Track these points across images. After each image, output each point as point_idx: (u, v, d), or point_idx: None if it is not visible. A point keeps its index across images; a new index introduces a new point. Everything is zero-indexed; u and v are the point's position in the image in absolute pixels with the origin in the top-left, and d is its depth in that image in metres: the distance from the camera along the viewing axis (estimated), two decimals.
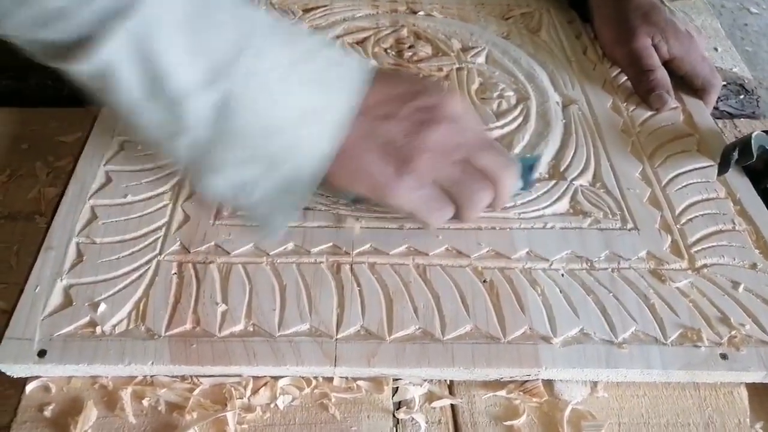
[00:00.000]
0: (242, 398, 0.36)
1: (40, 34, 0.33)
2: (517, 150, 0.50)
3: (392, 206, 0.40)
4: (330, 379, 0.37)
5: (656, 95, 0.54)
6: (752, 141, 0.47)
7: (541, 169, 0.48)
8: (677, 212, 0.45)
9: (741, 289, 0.41)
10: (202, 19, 0.34)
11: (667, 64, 0.56)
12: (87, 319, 0.37)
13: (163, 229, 0.42)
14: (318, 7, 0.64)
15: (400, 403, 0.37)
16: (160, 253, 0.41)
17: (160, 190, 0.44)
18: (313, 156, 0.37)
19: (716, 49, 0.69)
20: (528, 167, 0.45)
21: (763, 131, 0.48)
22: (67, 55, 0.33)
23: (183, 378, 0.36)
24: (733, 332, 0.38)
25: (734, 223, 0.45)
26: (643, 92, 0.55)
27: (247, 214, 0.41)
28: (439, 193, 0.40)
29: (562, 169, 0.48)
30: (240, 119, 0.35)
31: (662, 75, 0.55)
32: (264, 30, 0.36)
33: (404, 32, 0.61)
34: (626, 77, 0.57)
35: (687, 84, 0.56)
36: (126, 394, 0.36)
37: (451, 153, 0.39)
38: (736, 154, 0.47)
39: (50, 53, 0.34)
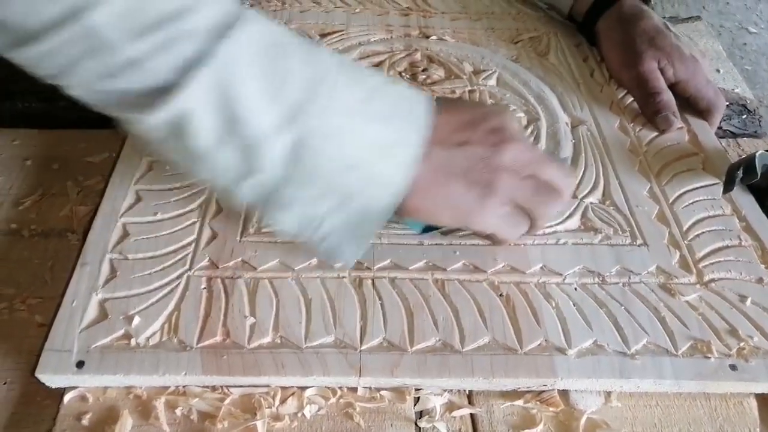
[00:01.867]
0: (271, 408, 0.37)
1: (108, 86, 0.32)
2: None
3: (475, 230, 0.42)
4: (354, 389, 0.38)
5: (662, 117, 0.56)
6: (756, 160, 0.48)
7: None
8: (685, 228, 0.47)
9: (748, 302, 0.42)
10: (277, 63, 0.34)
11: (672, 87, 0.58)
12: (122, 331, 0.39)
13: (192, 246, 0.44)
14: (334, 32, 0.66)
15: (421, 412, 0.38)
16: (189, 269, 0.42)
17: (188, 208, 0.46)
18: (386, 190, 0.37)
19: (718, 71, 0.71)
20: None
21: (767, 150, 0.50)
22: (136, 105, 0.32)
23: (214, 388, 0.38)
24: (741, 344, 0.40)
25: (740, 239, 0.46)
26: (650, 114, 0.57)
27: (315, 247, 0.40)
28: (517, 209, 0.42)
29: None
30: (314, 159, 0.35)
31: (668, 97, 0.57)
32: (334, 70, 0.36)
33: (418, 56, 0.64)
34: (633, 99, 0.59)
35: (692, 106, 0.58)
36: (160, 404, 0.37)
37: (522, 170, 0.41)
38: (740, 173, 0.49)
39: (115, 104, 0.33)
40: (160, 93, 0.32)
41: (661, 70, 0.58)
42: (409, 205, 0.39)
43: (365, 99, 0.37)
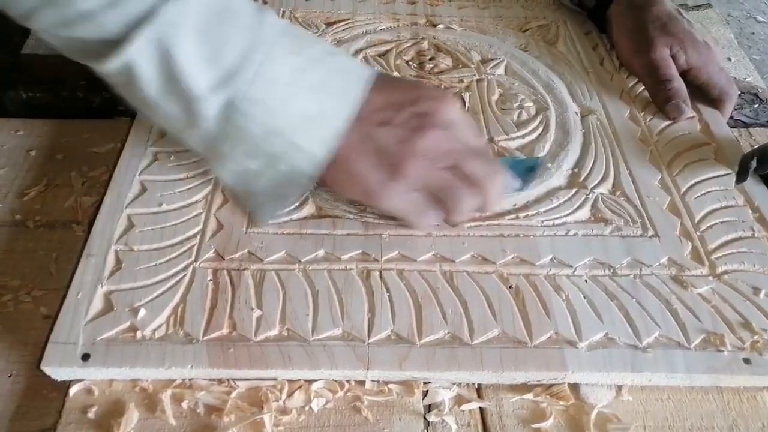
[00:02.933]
0: (278, 401, 0.37)
1: (67, 33, 0.36)
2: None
3: (382, 210, 0.43)
4: (362, 383, 0.38)
5: (673, 105, 0.55)
6: None
7: (553, 174, 0.50)
8: (697, 220, 0.46)
9: (762, 294, 0.42)
10: (217, 26, 0.37)
11: (684, 74, 0.57)
12: (128, 324, 0.38)
13: (198, 237, 0.43)
14: (340, 21, 0.65)
15: (430, 406, 0.38)
16: (195, 261, 0.42)
17: (194, 199, 0.46)
18: (307, 160, 0.40)
19: (729, 59, 0.70)
20: (528, 168, 0.47)
21: None
22: (92, 53, 0.36)
23: (220, 381, 0.38)
24: (755, 337, 0.39)
25: (753, 230, 0.46)
26: (661, 102, 0.56)
27: (246, 199, 0.44)
28: (428, 198, 0.42)
29: (582, 177, 0.49)
30: (242, 121, 0.38)
31: (679, 85, 0.56)
32: (273, 38, 0.38)
33: (425, 45, 0.63)
34: (643, 87, 0.58)
35: (704, 94, 0.57)
36: (166, 397, 0.37)
37: (440, 159, 0.41)
38: (754, 163, 0.48)
39: (76, 51, 0.37)
40: (110, 45, 0.35)
41: (673, 57, 0.57)
42: (326, 176, 0.41)
43: (300, 69, 0.39)
